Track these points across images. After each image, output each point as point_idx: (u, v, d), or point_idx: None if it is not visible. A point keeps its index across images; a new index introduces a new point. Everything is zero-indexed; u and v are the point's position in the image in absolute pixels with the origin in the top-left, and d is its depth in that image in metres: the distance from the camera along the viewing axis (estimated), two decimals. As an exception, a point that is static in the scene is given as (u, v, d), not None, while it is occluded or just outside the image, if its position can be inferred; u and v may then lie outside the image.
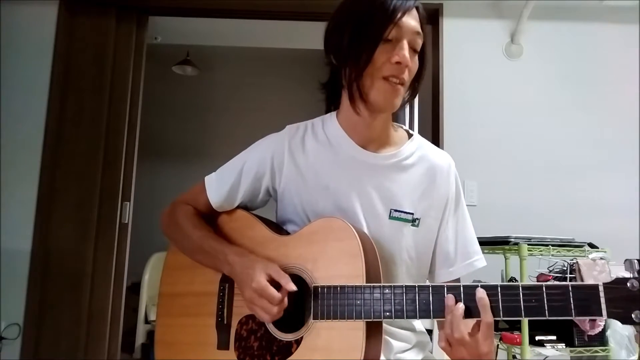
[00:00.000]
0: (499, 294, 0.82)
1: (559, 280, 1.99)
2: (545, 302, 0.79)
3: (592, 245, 2.10)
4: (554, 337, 1.98)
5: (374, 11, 0.96)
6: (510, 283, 0.82)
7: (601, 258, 1.92)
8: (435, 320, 1.01)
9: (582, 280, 1.85)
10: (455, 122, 2.79)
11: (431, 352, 1.12)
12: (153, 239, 3.05)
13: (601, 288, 0.78)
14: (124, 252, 2.76)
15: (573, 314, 0.78)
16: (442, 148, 2.70)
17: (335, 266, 0.92)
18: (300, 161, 1.06)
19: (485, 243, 2.11)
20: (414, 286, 0.87)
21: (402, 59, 0.95)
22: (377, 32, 0.95)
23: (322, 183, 1.04)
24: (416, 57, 1.00)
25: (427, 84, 2.97)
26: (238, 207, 1.11)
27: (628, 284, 0.77)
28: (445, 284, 0.86)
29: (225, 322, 1.01)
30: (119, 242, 2.74)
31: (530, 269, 2.00)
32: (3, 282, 2.56)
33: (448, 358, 0.89)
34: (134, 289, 3.51)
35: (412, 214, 1.03)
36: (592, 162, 2.77)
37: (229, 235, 1.08)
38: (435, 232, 1.07)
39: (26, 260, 2.61)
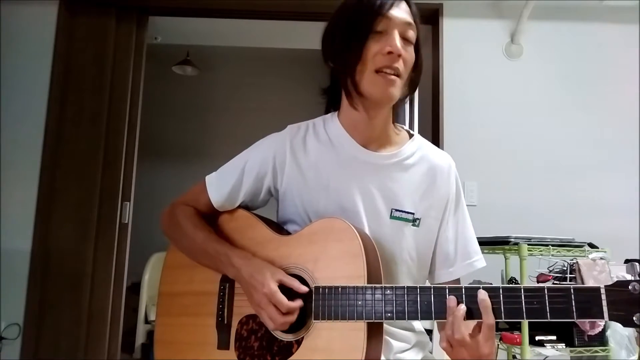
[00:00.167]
0: (501, 295, 0.82)
1: (559, 280, 1.99)
2: (547, 304, 0.79)
3: (592, 245, 2.10)
4: (554, 337, 1.98)
5: (362, 6, 0.98)
6: (512, 285, 0.82)
7: (601, 258, 1.92)
8: (435, 321, 1.01)
9: (582, 280, 1.85)
10: (455, 122, 2.79)
11: (431, 352, 1.13)
12: (153, 239, 3.05)
13: (603, 291, 0.78)
14: (124, 252, 2.76)
15: (575, 317, 0.78)
16: (442, 148, 2.70)
17: (336, 266, 0.92)
18: (302, 160, 1.06)
19: (485, 243, 2.11)
20: (416, 287, 0.87)
21: (393, 48, 0.95)
22: (366, 25, 0.96)
23: (323, 182, 1.04)
24: (410, 48, 1.00)
25: (427, 84, 2.97)
26: (239, 206, 1.10)
27: (630, 287, 0.77)
28: (446, 285, 0.87)
29: (225, 322, 1.01)
30: (119, 242, 2.74)
31: (530, 269, 2.00)
32: (3, 282, 2.56)
33: (448, 358, 0.89)
34: (134, 289, 3.51)
35: (413, 213, 1.03)
36: (592, 162, 2.77)
37: (230, 235, 1.08)
38: (435, 233, 1.07)
39: (26, 260, 2.61)
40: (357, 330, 0.87)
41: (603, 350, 2.00)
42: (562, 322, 1.99)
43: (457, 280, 1.09)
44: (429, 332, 1.53)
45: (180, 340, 1.07)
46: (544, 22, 2.88)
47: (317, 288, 0.92)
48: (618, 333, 2.00)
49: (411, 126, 3.73)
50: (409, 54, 0.99)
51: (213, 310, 1.03)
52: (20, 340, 2.56)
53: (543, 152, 2.78)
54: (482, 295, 0.83)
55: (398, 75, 0.98)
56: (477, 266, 1.07)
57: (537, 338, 1.97)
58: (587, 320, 1.83)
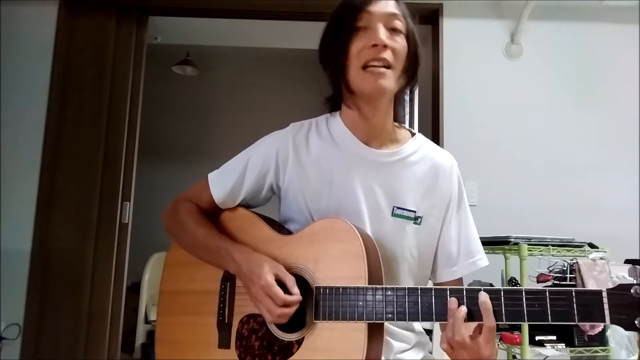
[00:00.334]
0: (502, 298, 0.82)
1: (559, 280, 1.99)
2: (549, 307, 0.79)
3: (592, 245, 2.10)
4: (554, 337, 1.98)
5: (344, 5, 1.01)
6: (514, 287, 0.82)
7: (601, 258, 1.92)
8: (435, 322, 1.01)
9: (582, 279, 1.85)
10: (455, 122, 2.79)
11: (431, 353, 1.13)
12: (153, 239, 3.06)
13: (604, 294, 0.77)
14: (124, 252, 2.75)
15: (576, 320, 0.78)
16: (442, 148, 2.70)
17: (337, 267, 0.92)
18: (304, 158, 1.06)
19: (485, 243, 2.09)
20: (417, 288, 0.87)
21: (377, 40, 0.96)
22: (348, 23, 0.98)
23: (325, 179, 1.04)
24: (399, 38, 0.99)
25: (427, 84, 2.97)
26: (240, 205, 1.11)
27: (632, 290, 0.77)
28: (447, 287, 0.86)
29: (226, 321, 1.01)
30: (119, 242, 2.74)
31: (530, 269, 2.00)
32: (3, 282, 2.56)
33: (448, 358, 0.89)
34: (134, 289, 3.51)
35: (415, 211, 1.03)
36: (592, 162, 2.77)
37: (231, 234, 1.08)
38: (437, 231, 1.07)
39: (26, 260, 2.61)
40: (357, 331, 0.87)
41: (603, 350, 2.00)
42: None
43: (460, 280, 1.09)
44: (429, 332, 1.54)
45: (182, 339, 1.07)
46: (544, 22, 2.88)
47: (318, 288, 0.92)
48: (618, 333, 2.00)
49: (411, 126, 3.73)
50: (399, 43, 0.99)
51: (214, 309, 1.03)
52: (20, 340, 2.56)
53: (543, 152, 2.78)
54: (483, 297, 0.83)
55: (389, 67, 0.98)
56: (479, 265, 1.07)
57: (537, 338, 1.97)
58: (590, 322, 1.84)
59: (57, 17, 2.80)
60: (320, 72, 1.09)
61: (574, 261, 1.95)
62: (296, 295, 0.91)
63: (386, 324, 0.98)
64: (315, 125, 1.11)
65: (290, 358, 0.92)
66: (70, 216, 2.69)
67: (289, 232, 1.06)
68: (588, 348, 1.99)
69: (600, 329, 1.92)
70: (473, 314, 0.84)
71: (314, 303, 0.92)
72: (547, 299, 0.80)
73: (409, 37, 1.01)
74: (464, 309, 0.83)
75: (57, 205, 2.69)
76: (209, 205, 1.11)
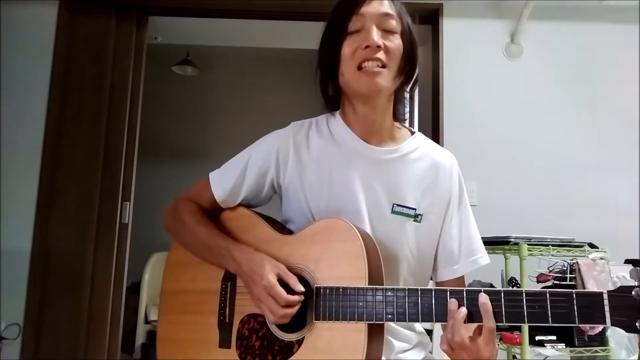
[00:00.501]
0: (502, 299, 0.82)
1: (559, 280, 1.99)
2: (549, 308, 0.79)
3: (592, 245, 2.10)
4: (554, 337, 1.98)
5: (338, 9, 1.02)
6: (514, 289, 0.82)
7: (601, 258, 1.92)
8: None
9: (582, 280, 1.85)
10: (455, 122, 2.79)
11: (431, 353, 1.13)
12: (153, 239, 3.07)
13: (605, 296, 0.77)
14: (124, 252, 2.75)
15: (577, 322, 0.78)
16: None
17: (337, 267, 0.92)
18: (304, 156, 1.06)
19: (485, 243, 2.07)
20: (417, 289, 0.87)
21: (369, 41, 0.96)
22: (340, 26, 0.99)
23: (325, 177, 1.04)
24: (394, 38, 1.00)
25: (427, 84, 2.97)
26: (241, 205, 1.11)
27: (633, 293, 0.76)
28: (448, 288, 0.86)
29: (227, 321, 1.01)
30: (119, 242, 2.74)
31: (530, 269, 2.00)
32: (3, 282, 2.56)
33: (448, 359, 0.89)
34: (134, 289, 3.51)
35: (415, 209, 1.03)
36: (592, 162, 2.77)
37: (232, 234, 1.08)
38: (437, 230, 1.07)
39: (26, 260, 2.61)
40: (357, 331, 0.88)
41: (603, 350, 2.00)
42: (563, 323, 1.99)
43: (461, 278, 1.09)
44: (429, 332, 1.54)
45: (183, 338, 1.07)
46: (544, 22, 2.88)
47: (318, 289, 0.92)
48: (618, 333, 2.00)
49: (411, 125, 3.73)
50: (394, 43, 0.99)
51: (215, 308, 1.03)
52: (20, 340, 2.56)
53: (543, 152, 2.78)
54: (483, 298, 0.83)
55: (384, 67, 0.98)
56: (481, 263, 1.07)
57: (537, 338, 1.97)
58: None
59: (57, 17, 2.79)
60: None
61: (574, 261, 1.95)
62: (299, 294, 0.91)
63: (388, 323, 0.98)
64: (316, 124, 1.11)
65: (291, 358, 0.92)
66: (70, 216, 2.69)
67: (290, 232, 1.06)
68: (588, 348, 1.99)
69: (600, 329, 1.92)
70: (473, 315, 0.84)
71: (314, 303, 0.92)
72: (548, 300, 0.80)
73: (404, 35, 1.01)
74: (464, 310, 0.83)
75: (57, 205, 2.69)
76: (210, 204, 1.11)
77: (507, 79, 2.85)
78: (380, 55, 0.97)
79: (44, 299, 2.62)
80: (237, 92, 4.88)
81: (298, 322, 0.93)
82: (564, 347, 1.98)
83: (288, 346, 0.93)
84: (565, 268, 2.00)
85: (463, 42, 2.87)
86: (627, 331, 0.76)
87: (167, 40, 4.05)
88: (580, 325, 1.85)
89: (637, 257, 2.32)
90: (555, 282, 2.01)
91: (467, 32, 2.88)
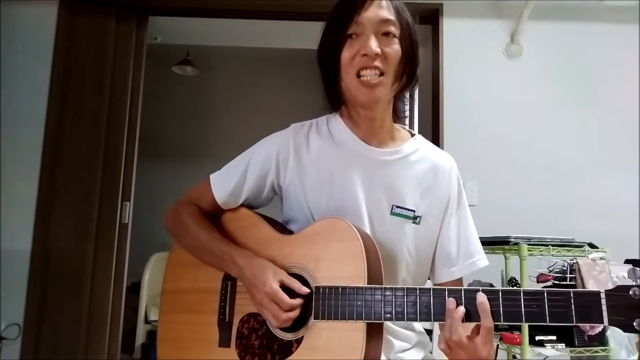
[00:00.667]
0: (500, 298, 0.82)
1: (559, 280, 1.99)
2: (547, 307, 0.79)
3: (592, 245, 2.10)
4: (554, 337, 1.98)
5: (336, 13, 1.01)
6: (512, 288, 0.82)
7: (601, 258, 1.92)
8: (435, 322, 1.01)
9: (582, 280, 1.85)
10: (455, 122, 2.79)
11: (431, 353, 1.13)
12: (153, 239, 3.07)
13: (603, 295, 0.77)
14: (124, 252, 2.76)
15: (574, 321, 0.78)
16: (442, 148, 2.70)
17: (337, 267, 0.93)
18: (304, 157, 1.07)
19: (485, 243, 2.09)
20: (415, 288, 0.87)
21: (367, 50, 0.96)
22: (339, 32, 0.99)
23: (325, 178, 1.04)
24: (393, 43, 0.99)
25: (427, 84, 2.97)
26: (242, 205, 1.11)
27: (630, 292, 0.76)
28: (446, 287, 0.87)
29: (227, 320, 1.02)
30: (119, 242, 2.74)
31: (530, 269, 2.00)
32: (3, 282, 2.56)
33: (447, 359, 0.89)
34: (134, 289, 3.51)
35: (414, 211, 1.03)
36: (592, 162, 2.77)
37: (233, 234, 1.08)
38: (435, 231, 1.07)
39: (26, 260, 2.61)
40: (356, 331, 0.88)
41: (603, 350, 2.00)
42: (563, 323, 1.98)
43: (460, 280, 1.09)
44: (429, 332, 1.54)
45: (183, 338, 1.07)
46: (544, 22, 2.88)
47: (317, 288, 0.92)
48: (618, 333, 2.00)
49: (411, 126, 3.72)
50: (392, 49, 0.98)
51: (215, 308, 1.03)
52: (20, 340, 2.56)
53: (543, 152, 2.78)
54: (481, 298, 0.83)
55: (382, 74, 0.98)
56: (479, 265, 1.07)
57: (537, 338, 1.96)
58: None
59: (57, 17, 2.80)
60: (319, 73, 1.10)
61: (574, 261, 1.95)
62: (299, 299, 0.91)
63: (387, 322, 0.98)
64: (316, 126, 1.11)
65: (290, 357, 0.93)
66: (70, 216, 2.69)
67: (291, 232, 1.06)
68: (588, 348, 1.98)
69: (600, 329, 1.92)
70: (471, 315, 0.84)
71: (314, 302, 0.92)
72: (545, 299, 0.79)
73: (403, 39, 1.00)
74: (462, 309, 0.84)
75: (57, 205, 2.69)
76: (210, 206, 1.11)
77: (507, 79, 2.85)
78: (379, 63, 0.97)
79: (44, 299, 2.62)
80: (237, 92, 4.88)
81: (297, 322, 0.93)
82: (564, 347, 1.97)
83: (287, 345, 0.94)
84: (565, 268, 2.00)
85: (463, 42, 2.87)
86: (624, 331, 0.76)
87: (167, 40, 4.06)
88: (578, 324, 1.85)
89: (637, 257, 2.32)
90: (555, 282, 2.01)
91: (467, 32, 2.88)
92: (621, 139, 2.79)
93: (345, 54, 0.98)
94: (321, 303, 0.91)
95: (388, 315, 0.87)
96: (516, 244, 2.00)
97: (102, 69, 2.83)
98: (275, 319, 0.91)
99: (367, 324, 0.88)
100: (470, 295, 0.84)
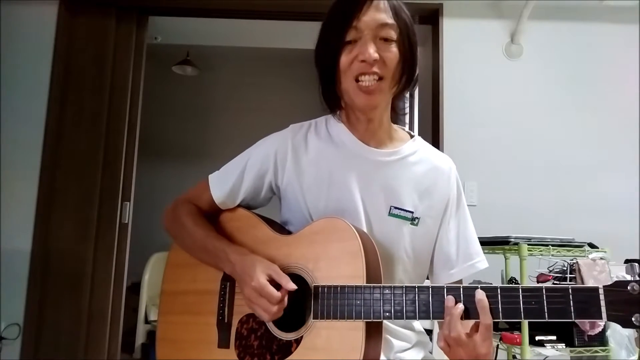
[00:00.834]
0: (499, 295, 0.82)
1: (559, 280, 1.99)
2: (545, 304, 0.79)
3: (592, 245, 2.10)
4: (554, 337, 1.98)
5: (333, 18, 1.00)
6: (510, 285, 0.82)
7: (601, 258, 1.92)
8: (435, 321, 1.01)
9: (582, 280, 1.85)
10: (455, 122, 2.79)
11: (431, 352, 1.12)
12: (153, 239, 3.07)
13: (601, 291, 0.77)
14: (124, 252, 2.76)
15: (573, 317, 0.78)
16: (442, 148, 2.71)
17: (336, 266, 0.93)
18: (303, 157, 1.07)
19: (485, 243, 2.11)
20: (414, 287, 0.87)
21: (365, 56, 0.95)
22: (337, 37, 0.98)
23: (323, 179, 1.04)
24: (391, 47, 0.98)
25: (427, 84, 2.97)
26: (240, 206, 1.11)
27: (629, 287, 0.76)
28: (445, 285, 0.86)
29: (226, 321, 1.02)
30: (119, 242, 2.74)
31: (530, 269, 2.00)
32: (3, 282, 2.56)
33: (448, 359, 0.89)
34: (134, 289, 3.51)
35: (412, 212, 1.03)
36: (592, 162, 2.77)
37: (231, 235, 1.08)
38: (434, 233, 1.07)
39: (26, 260, 2.61)
40: (355, 330, 0.88)
41: (603, 350, 2.00)
42: (563, 322, 1.99)
43: (459, 282, 1.08)
44: (429, 332, 1.53)
45: (182, 339, 1.07)
46: (544, 22, 2.88)
47: (316, 287, 0.92)
48: (618, 333, 2.00)
49: (411, 126, 3.73)
50: (391, 52, 0.98)
51: (214, 308, 1.03)
52: (20, 340, 2.56)
53: (543, 152, 2.78)
54: (480, 295, 0.83)
55: (381, 78, 0.98)
56: (478, 267, 1.07)
57: (537, 338, 1.96)
58: (587, 320, 1.84)
59: (57, 17, 2.80)
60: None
61: (574, 261, 1.95)
62: (283, 290, 0.91)
63: (386, 322, 0.98)
64: (314, 126, 1.11)
65: (289, 357, 0.93)
66: (70, 216, 2.69)
67: (289, 233, 1.06)
68: (588, 348, 1.98)
69: (600, 329, 1.92)
70: (470, 312, 0.84)
71: (312, 302, 0.92)
72: (544, 296, 0.79)
73: (402, 42, 0.99)
74: (460, 306, 0.84)
75: (57, 205, 2.70)
76: (209, 206, 1.11)
77: (507, 79, 2.85)
78: (377, 68, 0.97)
79: (44, 299, 2.62)
80: (237, 92, 4.88)
81: (297, 322, 0.93)
82: (564, 347, 1.97)
83: (286, 345, 0.94)
84: (565, 268, 2.00)
85: (463, 42, 2.87)
86: (623, 326, 0.76)
87: (167, 40, 4.06)
88: (579, 322, 1.85)
89: (637, 257, 2.31)
90: (555, 282, 2.01)
91: (467, 32, 2.88)
92: (621, 139, 2.79)
93: (344, 59, 0.98)
94: (320, 302, 0.91)
95: (387, 314, 0.87)
96: (516, 244, 2.00)
97: (102, 69, 2.83)
98: (266, 313, 0.91)
99: (367, 323, 0.88)
100: (469, 292, 0.84)
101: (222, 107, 4.92)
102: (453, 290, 0.85)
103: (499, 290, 0.82)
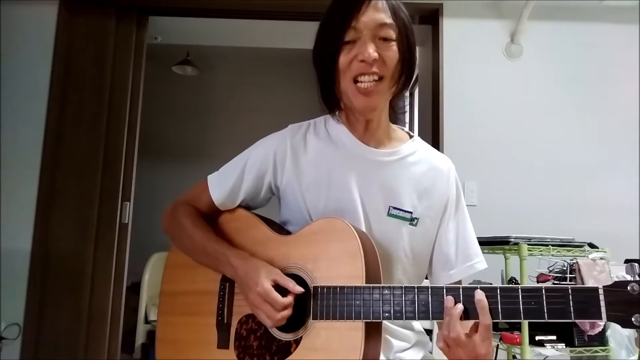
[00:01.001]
0: (498, 296, 0.82)
1: (559, 280, 1.99)
2: (545, 304, 0.79)
3: (592, 245, 2.10)
4: (554, 337, 1.98)
5: (331, 19, 0.99)
6: (510, 285, 0.81)
7: (601, 258, 1.92)
8: (435, 321, 1.01)
9: (582, 280, 1.85)
10: (455, 122, 2.79)
11: (431, 352, 1.12)
12: (153, 239, 3.06)
13: (601, 291, 0.77)
14: (124, 252, 2.76)
15: (572, 317, 0.78)
16: (442, 148, 2.71)
17: (335, 267, 0.92)
18: (302, 158, 1.06)
19: (485, 243, 2.11)
20: (413, 287, 0.87)
21: (364, 56, 0.95)
22: (335, 38, 0.97)
23: (322, 179, 1.04)
24: (391, 46, 0.98)
25: (427, 84, 2.97)
26: (239, 206, 1.11)
27: (628, 287, 0.76)
28: (444, 286, 0.86)
29: (225, 321, 1.01)
30: (119, 242, 2.74)
31: (530, 269, 2.00)
32: (3, 282, 2.56)
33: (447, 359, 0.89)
34: (134, 289, 3.51)
35: (411, 212, 1.03)
36: (592, 162, 2.77)
37: (230, 235, 1.08)
38: (433, 234, 1.07)
39: (26, 260, 2.61)
40: (355, 330, 0.87)
41: (603, 350, 2.00)
42: (562, 322, 1.98)
43: (458, 283, 1.08)
44: (429, 332, 1.53)
45: (182, 339, 1.07)
46: (544, 22, 2.88)
47: (315, 288, 0.92)
48: (618, 333, 2.00)
49: (411, 126, 3.73)
50: (390, 52, 0.98)
51: (214, 309, 1.03)
52: (20, 340, 2.56)
53: (543, 152, 2.78)
54: (479, 295, 0.83)
55: (381, 79, 0.97)
56: (478, 268, 1.07)
57: (537, 338, 1.96)
58: (587, 320, 1.83)
59: (57, 17, 2.80)
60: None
61: (574, 261, 1.95)
62: (290, 297, 0.91)
63: (386, 322, 0.98)
64: (314, 126, 1.11)
65: (288, 358, 0.92)
66: (70, 216, 2.69)
67: (288, 233, 1.06)
68: (588, 348, 1.98)
69: (600, 329, 1.92)
70: (469, 312, 0.83)
71: (312, 303, 0.92)
72: (544, 296, 0.79)
73: (400, 41, 0.99)
74: (460, 306, 0.83)
75: (57, 205, 2.70)
76: (208, 207, 1.11)
77: (507, 79, 2.85)
78: (376, 68, 0.96)
79: (44, 299, 2.62)
80: (237, 92, 4.89)
81: (296, 322, 0.93)
82: (564, 347, 1.97)
83: (286, 346, 0.94)
84: (565, 268, 2.00)
85: (463, 42, 2.87)
86: (622, 326, 0.76)
87: (167, 40, 4.06)
88: (579, 321, 1.85)
89: (637, 257, 2.31)
90: (555, 282, 2.01)
91: (467, 32, 2.88)
92: (621, 139, 2.79)
93: (343, 59, 0.97)
94: (319, 303, 0.91)
95: (386, 315, 0.87)
96: (516, 244, 2.00)
97: (102, 69, 2.83)
98: (270, 319, 0.91)
99: (366, 323, 0.88)
100: (469, 292, 0.84)
101: (222, 107, 4.92)
102: (452, 290, 0.85)
103: (498, 290, 0.82)
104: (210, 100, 4.94)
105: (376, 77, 0.97)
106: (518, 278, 2.01)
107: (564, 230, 2.25)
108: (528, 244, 1.98)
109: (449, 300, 0.84)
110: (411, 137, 1.13)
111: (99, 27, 2.86)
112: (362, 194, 1.02)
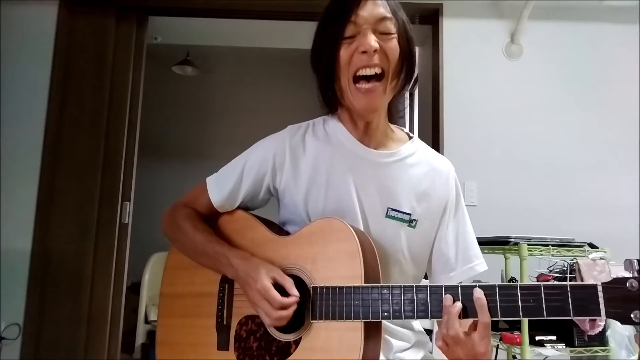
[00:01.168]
0: (497, 294, 0.82)
1: (559, 281, 1.99)
2: (544, 302, 0.79)
3: (592, 245, 2.10)
4: (554, 337, 1.98)
5: (330, 15, 0.99)
6: (509, 283, 0.81)
7: (601, 258, 1.91)
8: (434, 320, 1.01)
9: (582, 280, 1.85)
10: (455, 122, 2.79)
11: (430, 352, 1.12)
12: (153, 239, 3.06)
13: (600, 288, 0.77)
14: (124, 252, 2.76)
15: (571, 314, 0.77)
16: (442, 148, 2.71)
17: (334, 267, 0.92)
18: (300, 159, 1.06)
19: (485, 243, 2.11)
20: (412, 286, 0.87)
21: (366, 47, 0.94)
22: (335, 34, 0.97)
23: (321, 179, 1.04)
24: (391, 40, 0.98)
25: (427, 84, 2.97)
26: (238, 207, 1.10)
27: (627, 284, 0.76)
28: (443, 285, 0.86)
29: (225, 323, 1.01)
30: (119, 242, 2.74)
31: (530, 269, 2.00)
32: (3, 282, 2.56)
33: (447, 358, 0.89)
34: (134, 289, 3.51)
35: (410, 214, 1.03)
36: (592, 162, 2.77)
37: (229, 237, 1.08)
38: (431, 235, 1.07)
39: (26, 260, 2.61)
40: (354, 330, 0.87)
41: (603, 350, 2.00)
42: (562, 322, 1.99)
43: None
44: (429, 332, 1.53)
45: (182, 341, 1.07)
46: (544, 22, 2.88)
47: (314, 288, 0.92)
48: (618, 333, 2.00)
49: (411, 126, 3.73)
50: (391, 45, 0.97)
51: (213, 311, 1.03)
52: (20, 340, 2.56)
53: (543, 152, 2.78)
54: (478, 293, 0.83)
55: (381, 75, 0.97)
56: (478, 270, 1.06)
57: (537, 338, 1.96)
58: (587, 319, 1.83)
59: (57, 17, 2.80)
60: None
61: (574, 261, 1.95)
62: (294, 296, 0.90)
63: (385, 322, 0.98)
64: (312, 127, 1.11)
65: (288, 358, 0.92)
66: (70, 216, 2.69)
67: (287, 234, 1.06)
68: (588, 348, 1.98)
69: (600, 328, 1.92)
70: (468, 311, 0.83)
71: (311, 303, 0.92)
72: (542, 294, 0.79)
73: (400, 37, 0.99)
74: (458, 304, 0.83)
75: (57, 206, 2.70)
76: (207, 209, 1.11)
77: (507, 79, 2.85)
78: (378, 60, 0.96)
79: (44, 299, 2.62)
80: (237, 92, 4.89)
81: (296, 323, 0.93)
82: (564, 347, 1.97)
83: (285, 347, 0.94)
84: (565, 268, 2.00)
85: (463, 42, 2.87)
86: (622, 323, 0.76)
87: (167, 40, 4.06)
88: (577, 319, 1.85)
89: (637, 257, 2.31)
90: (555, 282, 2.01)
91: (467, 32, 2.88)
92: (621, 139, 2.79)
93: (343, 53, 0.97)
94: (319, 303, 0.91)
95: (385, 314, 0.87)
96: (516, 244, 2.00)
97: (102, 69, 2.83)
98: (268, 317, 0.91)
99: (365, 323, 0.88)
100: (467, 291, 0.84)
101: (222, 107, 4.92)
102: (451, 289, 0.85)
103: (497, 288, 0.82)
104: (210, 100, 4.94)
105: (378, 70, 0.96)
106: (518, 278, 2.01)
107: (564, 230, 2.25)
108: (528, 244, 1.98)
109: (447, 298, 0.84)
110: (410, 138, 1.12)
111: (99, 27, 2.86)
112: (361, 195, 1.02)
